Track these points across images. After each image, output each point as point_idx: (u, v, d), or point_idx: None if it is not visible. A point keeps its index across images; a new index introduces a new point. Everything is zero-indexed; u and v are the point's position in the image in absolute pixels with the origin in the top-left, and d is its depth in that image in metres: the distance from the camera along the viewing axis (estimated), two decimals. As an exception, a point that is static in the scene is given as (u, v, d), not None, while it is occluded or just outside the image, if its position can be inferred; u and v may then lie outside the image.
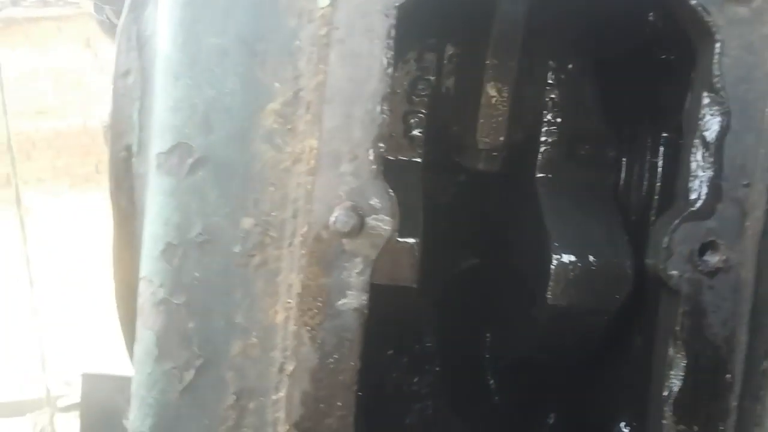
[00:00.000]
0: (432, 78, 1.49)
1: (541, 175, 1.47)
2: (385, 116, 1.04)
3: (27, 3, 12.57)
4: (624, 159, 1.53)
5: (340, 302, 1.06)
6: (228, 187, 1.04)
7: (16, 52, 11.85)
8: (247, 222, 1.04)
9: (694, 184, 1.11)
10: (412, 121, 1.49)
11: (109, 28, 1.74)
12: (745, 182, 1.10)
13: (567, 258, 1.34)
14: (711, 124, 1.09)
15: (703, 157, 1.10)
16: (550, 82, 1.47)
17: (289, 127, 1.04)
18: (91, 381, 2.34)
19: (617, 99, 1.50)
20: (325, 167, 1.04)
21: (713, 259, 1.11)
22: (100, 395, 2.35)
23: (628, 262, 1.34)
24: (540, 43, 1.45)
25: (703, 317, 1.12)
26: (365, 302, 1.06)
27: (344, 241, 1.04)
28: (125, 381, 2.34)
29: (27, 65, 12.80)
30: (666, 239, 1.11)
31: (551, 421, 1.74)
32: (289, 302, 1.06)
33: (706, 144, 1.10)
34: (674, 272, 1.11)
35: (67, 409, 3.06)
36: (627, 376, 1.45)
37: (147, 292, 1.06)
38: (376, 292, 1.07)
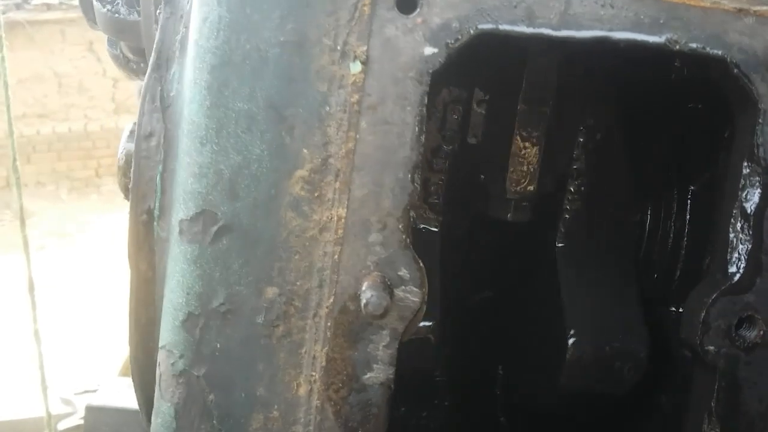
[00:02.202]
0: (452, 147, 1.46)
1: (562, 244, 1.45)
2: (416, 185, 1.01)
3: (31, 6, 12.54)
4: (649, 211, 1.50)
5: (366, 376, 1.02)
6: (252, 255, 1.00)
7: (20, 55, 11.81)
8: (271, 291, 1.01)
9: (733, 256, 1.08)
10: (431, 188, 1.46)
11: (124, 63, 1.70)
12: None
13: (582, 343, 1.34)
14: (751, 195, 1.06)
15: (743, 229, 1.07)
16: (579, 140, 1.44)
17: (316, 194, 1.00)
18: (94, 413, 2.31)
19: (644, 155, 1.48)
20: (352, 236, 1.01)
21: (751, 334, 1.07)
22: (103, 428, 2.32)
23: (642, 348, 1.33)
24: (571, 96, 1.42)
25: (739, 393, 1.09)
26: (392, 376, 1.03)
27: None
28: (129, 414, 2.31)
29: (30, 69, 12.77)
30: (703, 314, 1.07)
31: None
32: (313, 375, 1.02)
33: (746, 216, 1.06)
34: (711, 347, 1.08)
35: None
36: None
37: (166, 363, 1.02)
38: None
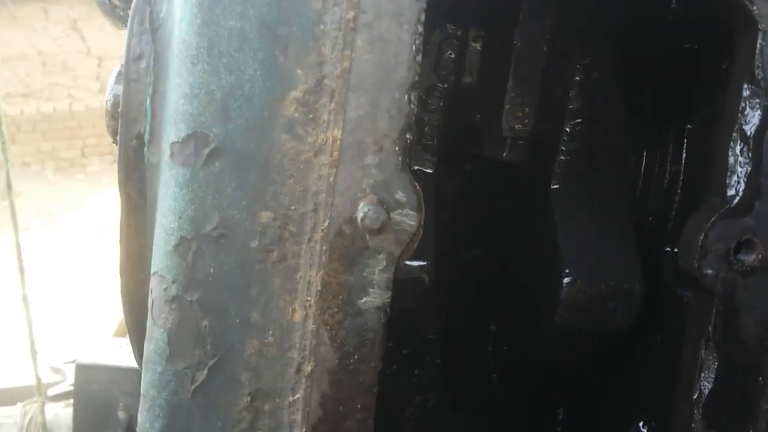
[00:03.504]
0: (446, 86, 1.44)
1: (557, 186, 1.43)
2: (413, 106, 0.99)
3: (13, -16, 12.37)
4: (644, 157, 1.49)
5: (362, 300, 1.01)
6: (246, 178, 0.99)
7: (2, 34, 11.66)
8: (265, 216, 0.99)
9: (731, 180, 1.07)
10: (426, 128, 1.44)
11: (110, 10, 1.67)
12: None
13: (578, 281, 1.33)
14: (751, 118, 1.05)
15: (742, 152, 1.06)
16: (574, 80, 1.42)
17: (311, 116, 0.98)
18: (84, 371, 2.29)
19: (641, 96, 1.46)
20: (348, 159, 0.99)
21: (749, 257, 1.07)
22: (93, 386, 2.30)
23: (637, 287, 1.33)
24: (566, 38, 1.40)
25: (736, 318, 1.08)
26: (388, 300, 1.01)
27: (368, 237, 0.99)
28: (119, 371, 2.30)
29: (13, 48, 12.61)
30: (701, 237, 1.06)
31: (560, 416, 1.71)
32: (308, 300, 1.01)
33: (745, 138, 1.05)
34: (709, 271, 1.07)
35: (58, 398, 2.99)
36: (647, 374, 1.42)
37: (159, 289, 1.00)
38: None
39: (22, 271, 2.72)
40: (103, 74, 13.42)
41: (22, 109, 12.92)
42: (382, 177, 0.99)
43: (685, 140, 1.42)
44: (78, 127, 13.41)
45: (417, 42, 0.98)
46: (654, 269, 1.37)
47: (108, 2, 1.71)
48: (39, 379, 2.73)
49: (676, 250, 1.29)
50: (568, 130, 1.43)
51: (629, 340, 1.42)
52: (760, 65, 1.04)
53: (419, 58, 0.98)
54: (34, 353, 2.75)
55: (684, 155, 1.41)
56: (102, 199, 11.14)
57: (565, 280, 1.33)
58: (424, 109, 1.43)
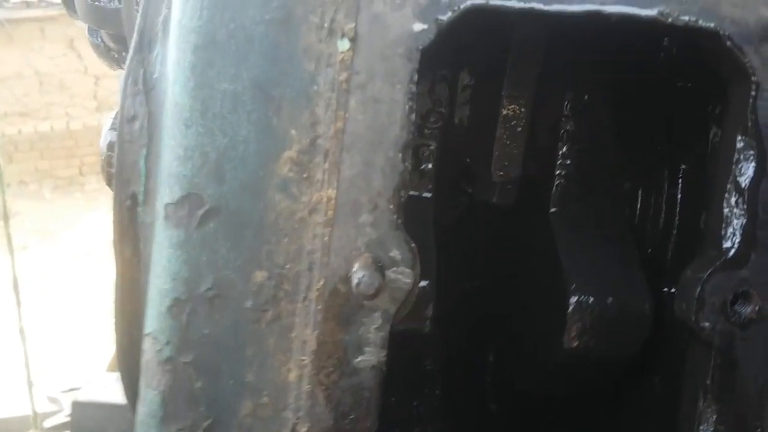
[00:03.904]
0: (444, 110, 1.44)
1: (555, 209, 1.43)
2: (407, 164, 0.99)
3: (9, 4, 12.41)
4: (640, 191, 1.49)
5: (357, 359, 1.00)
6: (240, 239, 0.98)
7: (-1, 53, 11.69)
8: (259, 275, 0.99)
9: (727, 232, 1.06)
10: (422, 154, 1.44)
11: (105, 53, 1.67)
12: None
13: (584, 300, 1.30)
14: (745, 170, 1.05)
15: (737, 203, 1.06)
16: (565, 113, 1.43)
17: (305, 175, 0.98)
18: (81, 408, 2.28)
19: (634, 130, 1.47)
20: (343, 218, 0.99)
21: (746, 309, 1.06)
22: (90, 422, 2.29)
23: (646, 303, 1.30)
24: (556, 74, 1.41)
25: (734, 370, 1.08)
26: (384, 359, 1.01)
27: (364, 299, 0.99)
28: (115, 408, 2.28)
29: (10, 67, 12.64)
30: (698, 290, 1.06)
31: None
32: (303, 359, 1.00)
33: (740, 190, 1.05)
34: (706, 324, 1.07)
35: (55, 429, 2.98)
36: (646, 416, 1.41)
37: (152, 350, 1.00)
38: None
39: (18, 303, 2.72)
40: (101, 92, 13.46)
41: (19, 129, 12.93)
42: (376, 235, 0.99)
43: (680, 180, 1.41)
44: (75, 146, 13.42)
45: (410, 102, 0.98)
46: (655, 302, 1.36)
47: (102, 44, 1.72)
48: (35, 413, 2.72)
49: (674, 290, 1.28)
50: (562, 153, 1.42)
51: (631, 375, 1.40)
52: (754, 117, 1.04)
53: (413, 117, 0.98)
54: (30, 386, 2.74)
55: (679, 195, 1.41)
56: (101, 216, 11.13)
57: (572, 299, 1.30)
58: (421, 134, 1.44)
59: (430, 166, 1.45)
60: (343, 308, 1.00)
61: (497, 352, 1.70)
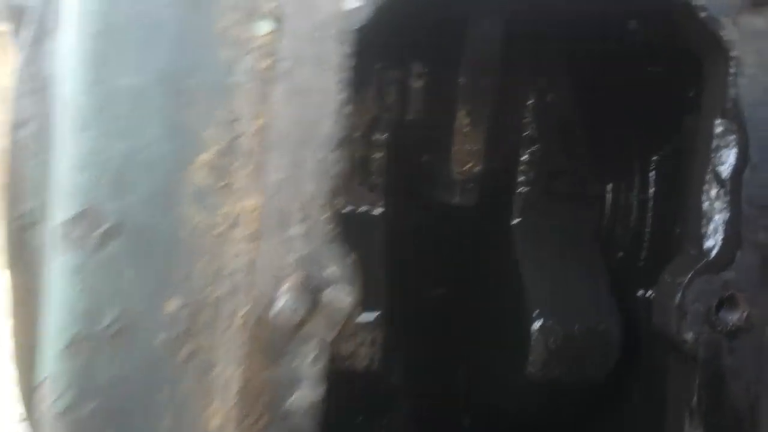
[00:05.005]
0: (392, 116, 1.31)
1: (518, 219, 1.32)
2: (342, 165, 0.85)
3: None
4: (609, 190, 1.38)
5: (290, 399, 0.85)
6: (148, 260, 0.83)
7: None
8: (173, 303, 0.83)
9: (708, 229, 0.94)
10: (371, 166, 1.31)
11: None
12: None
13: (548, 326, 1.20)
14: (726, 158, 0.93)
15: (718, 196, 0.94)
16: (527, 115, 1.31)
17: (224, 182, 0.83)
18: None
19: (602, 126, 1.36)
20: (269, 231, 0.84)
21: (732, 316, 0.94)
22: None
23: (615, 328, 1.20)
24: (516, 68, 1.29)
25: (723, 384, 0.96)
26: (321, 395, 0.86)
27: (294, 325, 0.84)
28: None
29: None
30: (678, 296, 0.94)
31: None
32: (227, 402, 0.85)
33: (720, 181, 0.93)
34: (689, 335, 0.94)
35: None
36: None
37: (49, 399, 0.83)
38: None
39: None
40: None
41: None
42: (309, 250, 0.84)
43: (652, 173, 1.31)
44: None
45: (344, 92, 0.84)
46: (626, 313, 1.25)
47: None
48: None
49: (650, 293, 1.18)
50: (524, 159, 1.32)
51: (607, 394, 1.29)
52: (733, 97, 0.92)
53: (347, 109, 0.84)
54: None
55: (652, 189, 1.31)
56: None
57: (535, 325, 1.20)
58: (368, 144, 1.30)
59: (380, 179, 1.32)
60: (271, 338, 0.85)
61: (467, 365, 1.58)
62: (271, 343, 0.85)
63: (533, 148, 1.33)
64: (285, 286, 0.83)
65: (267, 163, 0.83)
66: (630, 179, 1.35)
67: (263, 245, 0.84)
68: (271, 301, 0.83)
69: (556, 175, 1.33)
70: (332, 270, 0.85)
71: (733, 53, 0.91)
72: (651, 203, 1.32)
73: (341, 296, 0.85)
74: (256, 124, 0.83)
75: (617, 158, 1.37)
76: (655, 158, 1.29)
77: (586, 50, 1.32)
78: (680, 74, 1.16)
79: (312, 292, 0.84)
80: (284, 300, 0.81)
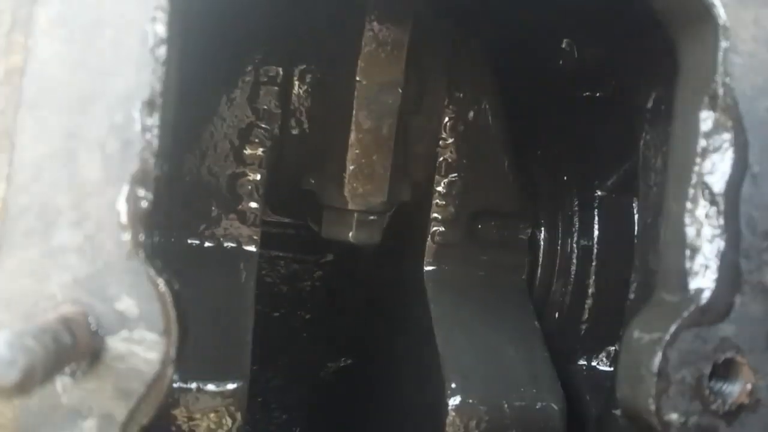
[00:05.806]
0: (272, 127, 1.02)
1: (432, 268, 1.04)
2: (152, 136, 0.54)
3: None
4: (543, 234, 1.11)
5: None
6: None
7: None
8: None
9: (694, 263, 0.65)
10: (243, 188, 1.01)
11: None
12: None
13: (468, 403, 0.91)
14: (719, 164, 0.65)
15: (708, 216, 0.65)
16: (444, 135, 1.05)
17: None
18: None
19: (533, 157, 1.11)
20: (19, 238, 0.52)
21: (733, 388, 0.65)
22: None
23: (556, 406, 0.91)
24: (428, 70, 1.03)
25: None
26: None
27: (58, 389, 0.51)
28: None
29: None
30: (656, 360, 0.64)
31: None
32: None
33: (711, 195, 0.65)
34: (673, 416, 0.64)
35: None
36: None
37: None
38: None
39: None
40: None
41: None
42: (89, 270, 0.52)
43: (595, 212, 1.05)
44: None
45: (160, 26, 0.54)
46: (570, 388, 0.97)
47: None
48: None
49: (594, 364, 0.91)
50: (440, 190, 1.05)
51: None
52: (725, 81, 0.65)
53: (161, 52, 0.54)
54: None
55: (596, 232, 1.05)
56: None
57: (451, 401, 0.92)
58: (239, 160, 1.01)
59: (253, 204, 1.01)
60: (25, 417, 0.51)
61: None
62: (25, 426, 0.52)
63: (451, 177, 1.05)
64: (40, 328, 0.50)
65: (20, 130, 0.52)
66: (568, 221, 1.10)
67: (8, 262, 0.51)
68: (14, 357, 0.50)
69: (478, 214, 1.08)
70: (128, 304, 0.53)
71: (723, 22, 0.64)
72: (595, 250, 1.06)
73: (144, 345, 0.53)
74: (4, 65, 0.52)
75: (553, 195, 1.11)
76: (598, 194, 1.03)
77: (514, 66, 1.08)
78: (629, 89, 0.92)
79: (91, 339, 0.51)
80: (40, 352, 0.47)
